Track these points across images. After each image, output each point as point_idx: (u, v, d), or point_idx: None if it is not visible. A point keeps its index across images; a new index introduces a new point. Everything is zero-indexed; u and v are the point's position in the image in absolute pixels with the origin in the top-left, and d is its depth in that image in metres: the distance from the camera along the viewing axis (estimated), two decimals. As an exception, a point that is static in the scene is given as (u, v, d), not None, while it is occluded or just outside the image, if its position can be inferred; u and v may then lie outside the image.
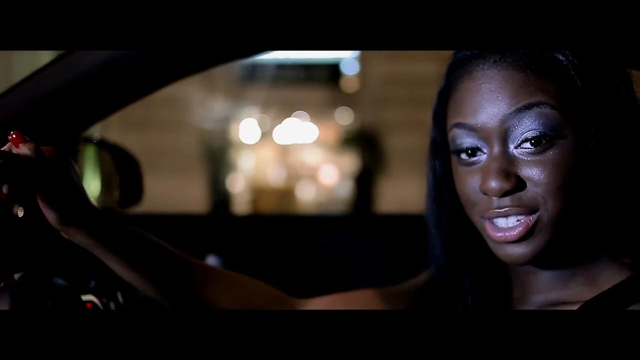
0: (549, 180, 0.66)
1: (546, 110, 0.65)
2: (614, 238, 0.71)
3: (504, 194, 0.67)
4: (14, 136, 0.72)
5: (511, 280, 0.78)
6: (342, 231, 1.88)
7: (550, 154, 0.66)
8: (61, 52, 0.97)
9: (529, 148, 0.66)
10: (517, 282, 0.76)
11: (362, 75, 8.79)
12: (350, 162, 8.64)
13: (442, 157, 0.78)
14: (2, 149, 0.72)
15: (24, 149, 0.72)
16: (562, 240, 0.68)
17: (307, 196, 9.43)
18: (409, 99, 7.19)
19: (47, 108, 0.97)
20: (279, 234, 1.85)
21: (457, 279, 0.80)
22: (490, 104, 0.67)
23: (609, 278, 0.69)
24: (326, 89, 9.38)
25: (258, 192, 9.41)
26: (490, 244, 0.70)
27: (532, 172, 0.66)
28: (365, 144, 8.03)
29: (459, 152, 0.71)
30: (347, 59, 9.16)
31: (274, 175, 9.69)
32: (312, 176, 9.58)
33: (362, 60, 8.72)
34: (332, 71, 9.45)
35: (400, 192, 6.69)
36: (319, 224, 2.00)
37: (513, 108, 0.66)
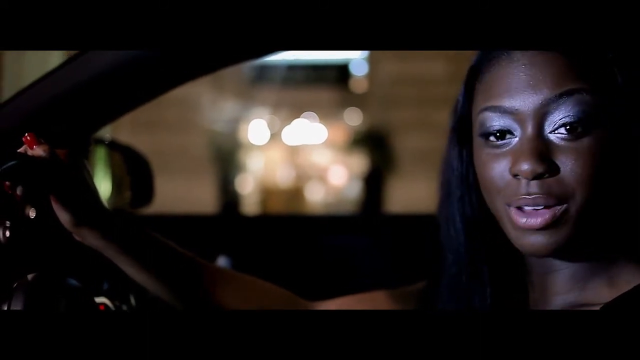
0: (582, 168, 0.64)
1: (587, 97, 0.64)
2: (634, 238, 0.69)
3: (536, 177, 0.64)
4: (28, 138, 0.73)
5: (527, 280, 0.76)
6: (351, 232, 1.88)
7: (585, 141, 0.64)
8: (71, 54, 0.98)
9: (564, 134, 0.64)
10: (534, 282, 0.75)
11: (371, 75, 8.77)
12: (359, 162, 8.63)
13: (468, 141, 0.76)
14: (17, 151, 0.73)
15: (38, 151, 0.72)
16: (584, 236, 0.67)
17: (316, 197, 9.41)
18: (418, 99, 7.17)
19: (59, 110, 0.97)
20: (288, 235, 1.85)
21: (476, 269, 0.77)
22: (530, 87, 0.65)
23: (629, 279, 0.68)
24: (335, 89, 9.37)
25: (267, 192, 9.41)
26: (512, 234, 0.68)
27: (566, 158, 0.64)
28: (374, 145, 8.02)
29: (487, 135, 0.68)
30: (356, 59, 9.15)
31: (283, 176, 9.68)
32: (321, 177, 9.57)
33: (370, 61, 8.70)
34: (341, 72, 9.44)
35: (409, 192, 6.67)
36: (328, 224, 2.00)
37: (555, 93, 0.64)
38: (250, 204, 8.85)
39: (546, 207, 0.65)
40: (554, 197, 0.65)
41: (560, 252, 0.68)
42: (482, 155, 0.70)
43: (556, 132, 0.65)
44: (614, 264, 0.69)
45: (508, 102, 0.67)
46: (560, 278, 0.72)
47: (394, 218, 2.47)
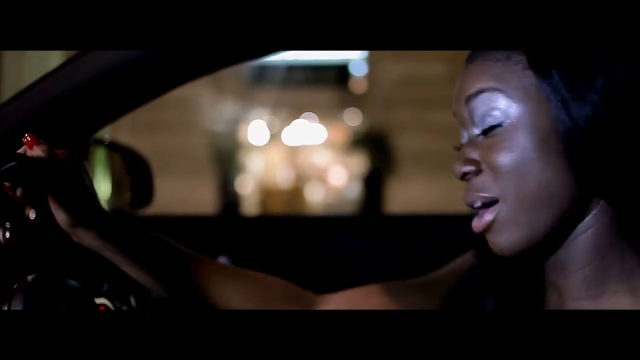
0: (501, 163, 0.68)
1: (496, 95, 0.68)
2: None
3: (462, 177, 0.71)
4: (28, 138, 0.73)
5: (545, 281, 0.76)
6: (351, 232, 1.89)
7: (501, 137, 0.68)
8: (70, 55, 0.98)
9: (486, 133, 0.70)
10: (551, 285, 0.75)
11: (371, 76, 8.77)
12: (359, 163, 8.62)
13: None
14: (17, 152, 0.73)
15: (38, 151, 0.73)
16: (557, 233, 0.69)
17: (316, 197, 9.41)
18: (418, 100, 7.17)
19: (59, 111, 0.98)
20: (288, 235, 1.85)
21: (483, 269, 0.79)
22: (459, 90, 0.72)
23: None
24: (335, 90, 9.36)
25: (267, 193, 9.40)
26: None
27: (489, 156, 0.69)
28: (374, 145, 8.02)
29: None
30: (356, 60, 9.15)
31: (282, 177, 9.68)
32: (321, 177, 9.55)
33: (370, 62, 8.70)
34: (341, 73, 9.43)
35: (409, 193, 6.67)
36: (328, 225, 2.00)
37: (467, 94, 0.70)
38: (250, 205, 8.85)
39: (484, 205, 0.70)
40: (484, 192, 0.70)
41: (546, 247, 0.70)
42: None
43: (482, 132, 0.70)
44: (635, 273, 0.69)
45: (453, 107, 0.74)
46: (573, 281, 0.71)
47: (394, 218, 2.47)
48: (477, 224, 0.71)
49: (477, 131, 0.71)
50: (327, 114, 9.41)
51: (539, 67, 0.67)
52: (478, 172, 0.70)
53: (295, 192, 9.45)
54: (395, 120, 7.57)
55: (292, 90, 9.05)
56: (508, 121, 0.68)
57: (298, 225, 1.99)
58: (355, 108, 9.25)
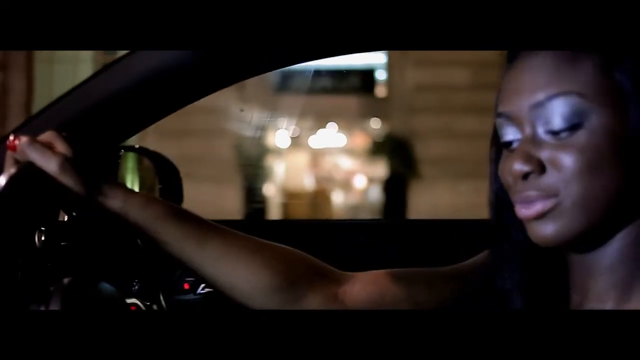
0: (570, 164, 0.66)
1: (574, 99, 0.67)
2: None
3: (525, 176, 0.69)
4: (11, 138, 0.76)
5: (569, 281, 0.76)
6: (375, 237, 1.89)
7: (574, 139, 0.67)
8: (105, 63, 1.00)
9: (555, 133, 0.68)
10: (575, 286, 0.75)
11: (394, 82, 8.75)
12: (382, 168, 8.61)
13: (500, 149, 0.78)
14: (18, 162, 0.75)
15: (24, 148, 0.75)
16: (597, 232, 0.68)
17: (340, 203, 9.41)
18: (440, 105, 7.15)
19: (92, 118, 1.00)
20: (312, 239, 1.86)
21: (511, 267, 0.78)
22: (522, 93, 0.70)
23: None
24: (359, 96, 9.36)
25: (291, 198, 9.42)
26: (525, 225, 0.71)
27: (555, 156, 0.67)
28: (397, 151, 8.00)
29: (502, 141, 0.73)
30: (380, 65, 9.14)
31: (307, 182, 9.69)
32: (345, 183, 9.55)
33: (392, 68, 8.69)
34: (365, 79, 9.43)
35: (431, 198, 6.64)
36: (352, 229, 2.00)
37: (541, 98, 0.68)
38: (274, 209, 8.87)
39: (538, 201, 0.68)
40: (543, 192, 0.68)
41: (579, 245, 0.70)
42: (503, 156, 0.74)
43: (547, 132, 0.68)
44: None
45: (507, 108, 0.71)
46: (600, 283, 0.71)
47: (417, 223, 2.46)
48: (528, 213, 0.69)
49: (543, 131, 0.69)
50: (351, 119, 9.40)
51: (619, 70, 0.67)
52: (542, 172, 0.68)
53: (320, 198, 9.45)
54: (418, 126, 7.55)
55: (316, 96, 9.07)
56: (586, 125, 0.66)
57: (322, 229, 2.00)
58: (379, 114, 9.23)
